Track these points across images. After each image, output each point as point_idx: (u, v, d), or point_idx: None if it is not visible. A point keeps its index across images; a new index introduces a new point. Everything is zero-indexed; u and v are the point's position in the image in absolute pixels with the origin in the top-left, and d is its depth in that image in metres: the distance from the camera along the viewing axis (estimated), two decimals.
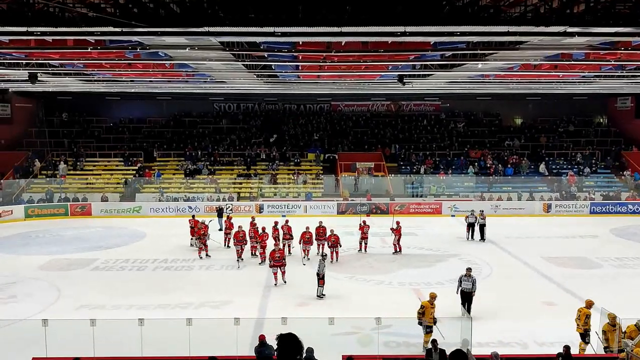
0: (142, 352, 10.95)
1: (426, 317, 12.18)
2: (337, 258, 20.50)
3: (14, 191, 32.82)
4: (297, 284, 17.56)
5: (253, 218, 23.34)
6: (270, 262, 18.02)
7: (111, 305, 15.75)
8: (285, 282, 17.68)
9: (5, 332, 11.61)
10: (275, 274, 17.63)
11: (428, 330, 12.09)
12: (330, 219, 26.17)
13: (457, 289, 14.64)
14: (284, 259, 17.99)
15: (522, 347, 12.87)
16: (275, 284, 17.53)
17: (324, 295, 16.35)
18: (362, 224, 22.72)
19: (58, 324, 12.21)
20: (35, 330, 11.97)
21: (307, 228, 20.95)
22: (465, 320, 11.59)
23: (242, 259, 20.58)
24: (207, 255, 21.28)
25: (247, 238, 21.04)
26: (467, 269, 14.87)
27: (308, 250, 20.72)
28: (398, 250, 22.19)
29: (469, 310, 14.07)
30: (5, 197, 32.17)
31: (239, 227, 21.25)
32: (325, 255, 18.33)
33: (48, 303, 16.16)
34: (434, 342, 10.27)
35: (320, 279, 16.33)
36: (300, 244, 20.73)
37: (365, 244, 22.44)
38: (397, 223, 22.39)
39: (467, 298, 14.47)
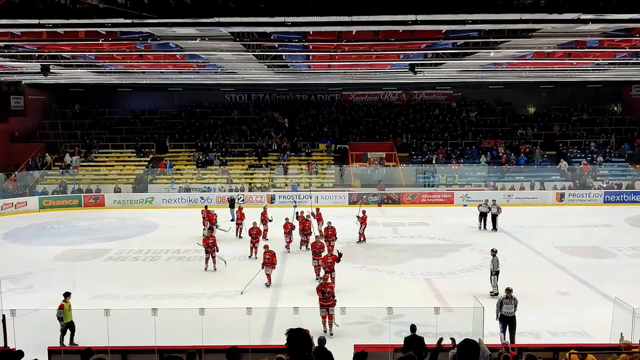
0: (156, 341, 11.06)
1: None
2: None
3: (28, 183, 33.17)
4: (308, 274, 17.60)
5: (265, 209, 23.47)
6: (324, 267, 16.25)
7: (125, 295, 15.92)
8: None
9: (21, 321, 11.76)
10: (316, 266, 17.09)
11: None
12: (341, 210, 26.22)
13: (497, 314, 12.53)
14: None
15: (535, 337, 12.84)
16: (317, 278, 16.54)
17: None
18: (316, 211, 22.73)
19: (73, 313, 12.38)
20: (50, 320, 12.16)
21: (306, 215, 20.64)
22: (477, 310, 11.55)
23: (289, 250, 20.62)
24: (214, 268, 18.68)
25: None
26: (506, 289, 12.68)
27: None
28: (362, 239, 22.16)
29: (512, 338, 12.27)
30: (19, 189, 32.51)
31: (286, 219, 21.30)
32: (496, 250, 16.20)
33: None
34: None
35: (494, 275, 15.65)
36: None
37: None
38: (363, 212, 22.47)
39: (510, 323, 12.45)
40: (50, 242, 23.34)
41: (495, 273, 15.70)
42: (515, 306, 12.48)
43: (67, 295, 12.62)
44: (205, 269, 18.57)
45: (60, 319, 12.24)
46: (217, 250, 18.78)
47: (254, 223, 20.62)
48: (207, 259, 18.71)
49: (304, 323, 9.14)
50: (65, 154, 35.58)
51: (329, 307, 13.28)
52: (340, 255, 16.24)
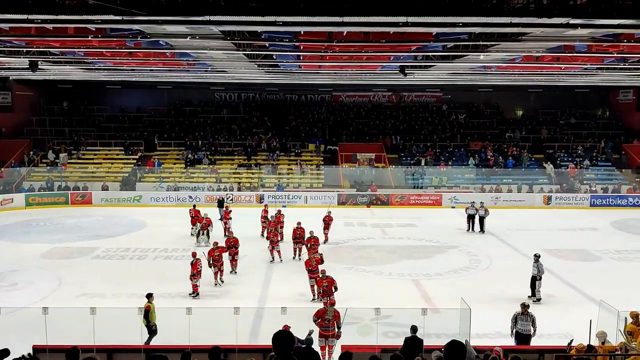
0: (142, 340, 11.00)
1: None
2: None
3: (15, 179, 32.85)
4: (296, 274, 17.58)
5: (266, 205, 23.51)
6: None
7: (111, 294, 15.80)
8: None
9: (6, 319, 11.65)
10: (312, 286, 15.42)
11: None
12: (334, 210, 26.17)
13: (512, 331, 11.97)
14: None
15: None
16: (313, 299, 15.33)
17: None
18: (278, 213, 22.34)
19: (59, 312, 12.25)
20: (36, 318, 12.01)
21: (299, 223, 19.93)
22: (464, 311, 11.60)
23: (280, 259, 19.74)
24: (221, 280, 17.00)
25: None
26: (522, 305, 12.08)
27: (300, 249, 19.67)
28: (325, 240, 21.98)
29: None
30: (6, 186, 32.21)
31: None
32: (539, 255, 15.95)
33: (49, 291, 16.23)
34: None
35: (538, 280, 15.40)
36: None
37: (282, 233, 21.72)
38: (329, 212, 22.63)
39: (524, 342, 11.75)
40: (36, 239, 23.12)
41: (539, 279, 15.47)
42: (533, 323, 11.85)
43: (149, 296, 12.43)
44: (215, 284, 16.74)
45: (147, 320, 12.07)
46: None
47: (230, 232, 19.45)
48: (215, 273, 16.75)
49: (291, 323, 9.16)
50: (49, 151, 35.27)
51: (329, 338, 11.27)
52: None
